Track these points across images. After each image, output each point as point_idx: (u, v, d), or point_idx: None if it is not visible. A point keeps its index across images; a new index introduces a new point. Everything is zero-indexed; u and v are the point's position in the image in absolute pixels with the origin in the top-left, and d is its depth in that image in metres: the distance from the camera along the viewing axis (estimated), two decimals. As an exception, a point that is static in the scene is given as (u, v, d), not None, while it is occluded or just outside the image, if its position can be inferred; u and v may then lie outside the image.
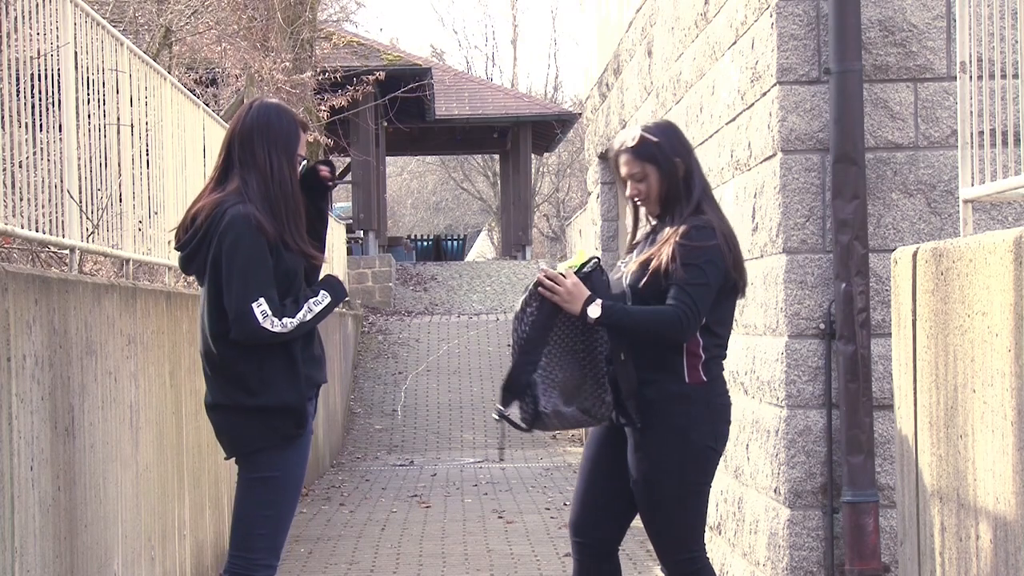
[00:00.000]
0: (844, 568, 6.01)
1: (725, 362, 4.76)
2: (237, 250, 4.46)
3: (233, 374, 4.53)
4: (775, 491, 6.32)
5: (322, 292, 4.67)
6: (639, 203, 4.73)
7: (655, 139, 4.67)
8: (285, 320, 4.49)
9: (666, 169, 4.65)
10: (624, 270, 4.70)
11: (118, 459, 5.27)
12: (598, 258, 4.66)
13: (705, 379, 4.57)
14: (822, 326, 6.13)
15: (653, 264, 4.53)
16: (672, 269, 4.49)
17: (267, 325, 4.44)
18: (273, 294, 4.48)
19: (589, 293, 4.51)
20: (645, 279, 4.54)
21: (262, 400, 4.52)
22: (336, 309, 4.79)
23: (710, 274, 4.51)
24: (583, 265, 4.61)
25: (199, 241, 4.55)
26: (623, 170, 4.71)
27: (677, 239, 4.53)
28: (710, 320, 4.58)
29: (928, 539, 4.18)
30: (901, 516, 4.52)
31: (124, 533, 5.33)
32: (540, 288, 4.54)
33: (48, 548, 4.27)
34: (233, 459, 4.70)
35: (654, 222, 4.79)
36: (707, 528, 7.87)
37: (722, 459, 7.41)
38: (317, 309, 4.61)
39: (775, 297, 6.31)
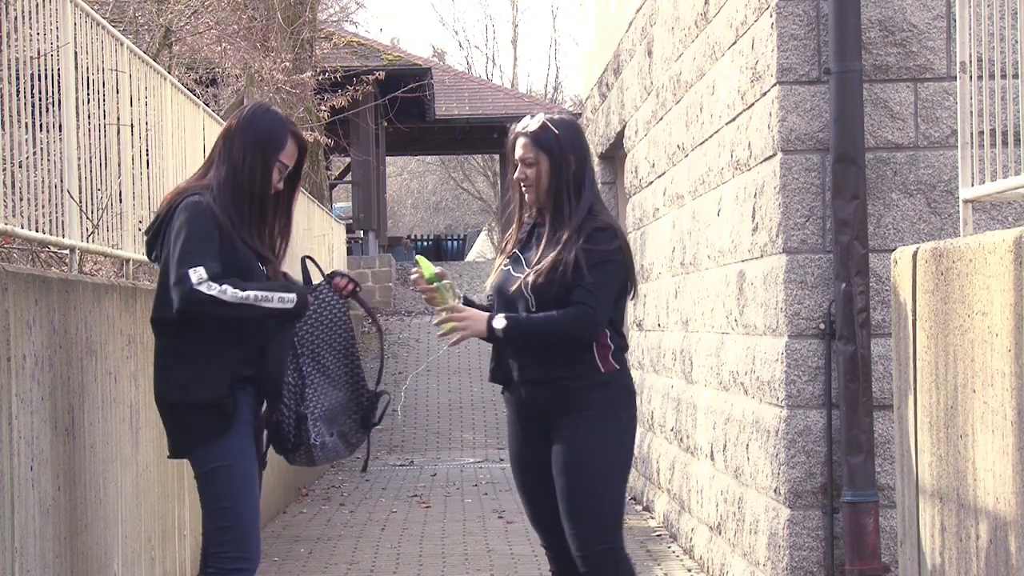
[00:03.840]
0: (844, 568, 6.01)
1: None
2: (181, 229, 4.43)
3: (161, 363, 4.51)
4: (775, 491, 6.32)
5: (291, 295, 4.48)
6: (525, 189, 4.78)
7: (555, 130, 4.73)
8: (226, 287, 4.34)
9: (558, 161, 4.72)
10: (522, 277, 4.72)
11: (118, 459, 5.27)
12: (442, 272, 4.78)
13: (617, 367, 4.70)
14: (822, 326, 6.13)
15: (560, 271, 4.61)
16: (576, 273, 4.60)
17: (202, 288, 4.31)
18: (214, 266, 4.37)
19: (484, 313, 4.68)
20: (555, 290, 4.62)
21: (184, 396, 4.46)
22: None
23: (612, 274, 4.65)
24: (434, 277, 4.73)
25: (158, 227, 4.56)
26: (517, 152, 4.77)
27: (581, 244, 4.63)
28: (612, 314, 4.70)
29: (928, 539, 4.18)
30: (901, 516, 4.52)
31: (124, 533, 5.33)
32: (454, 322, 4.67)
33: (48, 548, 4.27)
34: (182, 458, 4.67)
35: (529, 219, 4.85)
36: (707, 528, 7.88)
37: (722, 459, 7.42)
38: (273, 301, 4.42)
39: (775, 297, 6.31)
